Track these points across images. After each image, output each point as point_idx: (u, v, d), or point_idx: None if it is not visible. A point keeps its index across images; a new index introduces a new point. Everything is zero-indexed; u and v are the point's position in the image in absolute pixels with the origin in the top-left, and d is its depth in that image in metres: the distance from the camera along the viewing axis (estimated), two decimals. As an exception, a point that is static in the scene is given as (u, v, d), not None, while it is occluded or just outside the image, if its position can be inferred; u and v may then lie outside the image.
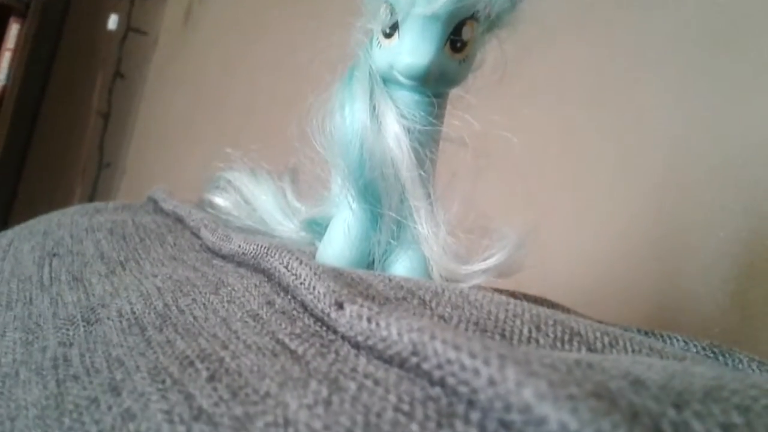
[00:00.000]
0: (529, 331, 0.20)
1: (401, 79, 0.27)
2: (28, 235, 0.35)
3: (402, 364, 0.16)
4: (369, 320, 0.17)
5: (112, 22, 1.59)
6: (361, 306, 0.17)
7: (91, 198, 1.56)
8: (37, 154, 1.91)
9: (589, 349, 0.21)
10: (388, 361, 0.16)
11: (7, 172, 1.73)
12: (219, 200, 0.37)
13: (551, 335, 0.21)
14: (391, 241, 0.28)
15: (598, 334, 0.22)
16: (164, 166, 1.38)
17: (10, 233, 0.37)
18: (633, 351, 0.21)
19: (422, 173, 0.27)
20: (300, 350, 0.17)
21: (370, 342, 0.17)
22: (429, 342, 0.15)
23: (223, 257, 0.28)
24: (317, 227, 0.31)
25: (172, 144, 1.38)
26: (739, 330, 0.42)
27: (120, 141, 1.57)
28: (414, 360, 0.15)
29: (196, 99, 1.31)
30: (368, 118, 0.27)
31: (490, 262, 0.27)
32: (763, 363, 0.25)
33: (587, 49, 0.54)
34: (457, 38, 0.26)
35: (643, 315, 0.46)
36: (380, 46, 0.27)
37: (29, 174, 1.91)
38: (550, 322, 0.21)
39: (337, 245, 0.28)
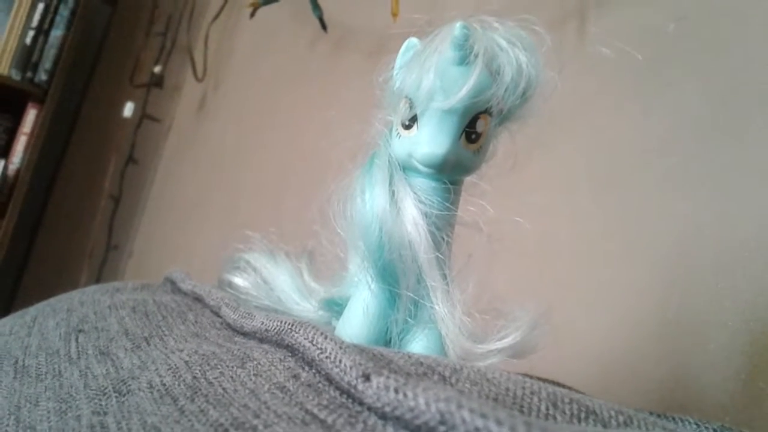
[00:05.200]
0: (547, 408, 0.21)
1: (419, 167, 0.28)
2: (52, 312, 0.36)
3: (429, 433, 0.16)
4: (396, 391, 0.18)
5: (128, 109, 1.64)
6: (388, 377, 0.18)
7: (97, 279, 1.57)
8: (46, 236, 1.93)
9: (605, 427, 0.21)
10: (416, 430, 0.17)
11: (16, 252, 1.75)
12: (238, 280, 0.38)
13: (568, 412, 0.21)
14: (409, 320, 0.29)
15: (612, 413, 0.22)
16: (170, 250, 1.40)
17: (32, 310, 0.38)
18: (647, 430, 0.22)
19: (439, 255, 0.28)
20: (329, 420, 0.18)
21: (397, 412, 0.17)
22: (456, 411, 0.16)
23: (245, 334, 0.29)
24: (336, 306, 0.32)
25: (179, 228, 1.40)
26: (749, 418, 0.42)
27: (129, 224, 1.60)
28: (442, 429, 0.16)
29: (205, 185, 1.34)
30: (388, 202, 0.28)
31: (505, 342, 0.28)
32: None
33: (594, 138, 0.57)
34: (472, 130, 0.28)
35: (654, 402, 0.46)
36: (400, 136, 0.29)
37: (38, 254, 1.93)
38: (567, 400, 0.22)
39: (356, 324, 0.29)
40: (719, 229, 0.46)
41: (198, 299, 0.37)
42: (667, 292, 0.47)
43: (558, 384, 0.33)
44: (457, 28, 0.27)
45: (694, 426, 0.27)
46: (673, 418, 0.28)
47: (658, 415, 0.29)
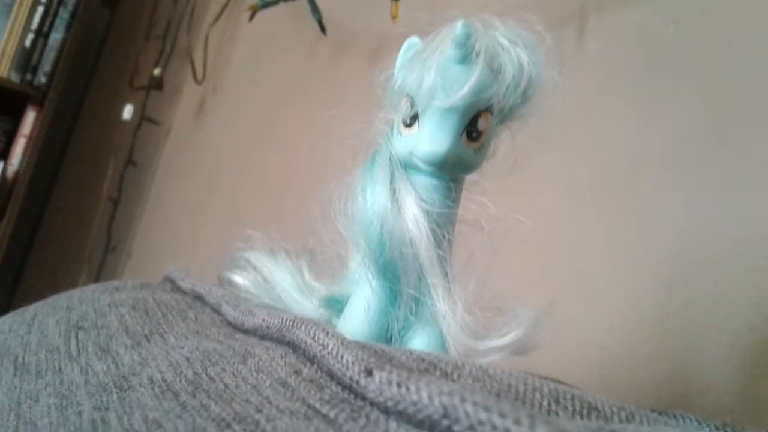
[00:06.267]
0: (549, 404, 0.21)
1: (420, 165, 0.28)
2: (51, 310, 0.36)
3: (433, 427, 0.16)
4: (399, 385, 0.18)
5: (127, 111, 1.64)
6: (390, 372, 0.18)
7: (96, 281, 1.57)
8: (45, 238, 1.93)
9: (607, 423, 0.21)
10: (419, 425, 0.17)
11: (14, 254, 1.75)
12: (238, 279, 0.38)
13: (570, 408, 0.21)
14: (410, 317, 0.29)
15: (615, 409, 0.22)
16: (169, 252, 1.40)
17: (32, 308, 0.38)
18: (649, 426, 0.22)
19: (440, 253, 0.28)
20: (332, 414, 0.18)
21: (400, 406, 0.17)
22: (460, 404, 0.16)
23: (246, 332, 0.29)
24: (337, 304, 0.32)
25: (178, 230, 1.40)
26: (750, 419, 0.42)
27: (127, 226, 1.59)
28: (445, 423, 0.16)
29: (204, 187, 1.34)
30: (389, 200, 0.28)
31: (507, 339, 0.28)
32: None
33: (594, 137, 0.57)
34: (473, 129, 0.28)
35: (655, 402, 0.46)
36: (401, 134, 0.29)
37: (36, 256, 1.92)
38: (569, 396, 0.22)
39: (357, 321, 0.29)
40: (719, 231, 0.46)
41: (198, 297, 0.37)
42: (667, 293, 0.47)
43: (560, 382, 0.33)
44: (458, 26, 0.27)
45: (695, 423, 0.27)
46: (675, 416, 0.28)
47: (660, 413, 0.29)
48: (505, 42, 0.29)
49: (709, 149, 0.48)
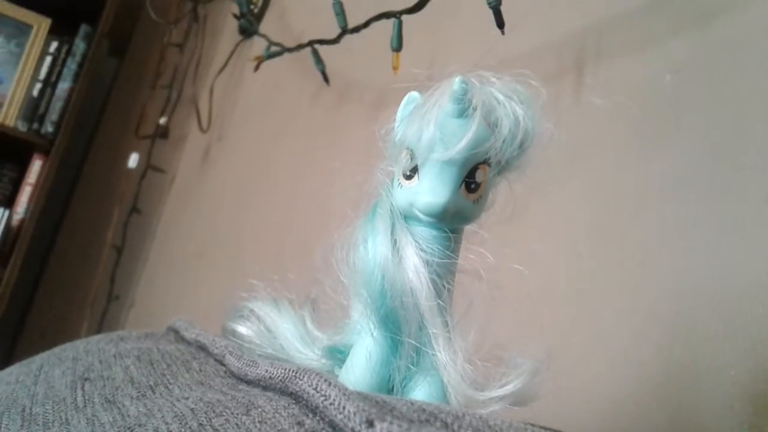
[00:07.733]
0: (548, 454, 0.21)
1: (420, 216, 0.29)
2: (57, 361, 0.36)
3: (432, 477, 0.17)
4: (400, 436, 0.18)
5: (133, 160, 1.66)
6: (391, 423, 0.19)
7: (98, 329, 1.56)
8: (49, 286, 1.94)
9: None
10: (419, 475, 0.17)
11: (18, 302, 1.75)
12: (241, 329, 0.38)
13: (569, 458, 0.21)
14: (411, 367, 0.29)
15: (613, 460, 0.22)
16: (172, 300, 1.40)
17: (38, 359, 0.38)
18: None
19: (440, 303, 0.29)
20: (334, 465, 0.18)
21: (400, 457, 0.18)
22: (458, 455, 0.16)
23: (249, 382, 0.30)
24: (339, 354, 0.33)
25: (181, 278, 1.40)
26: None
27: (130, 274, 1.60)
28: (444, 473, 0.16)
29: (208, 235, 1.34)
30: (390, 251, 0.29)
31: (507, 390, 0.28)
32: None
33: (592, 186, 0.57)
34: (471, 180, 0.29)
35: (657, 452, 0.46)
36: (401, 186, 0.30)
37: (40, 304, 1.93)
38: (567, 447, 0.22)
39: (359, 371, 0.30)
40: (719, 277, 0.46)
41: (202, 348, 0.38)
42: (668, 340, 0.48)
43: (560, 432, 0.33)
44: (456, 82, 0.28)
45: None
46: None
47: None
48: (500, 97, 0.30)
49: (707, 196, 0.48)
